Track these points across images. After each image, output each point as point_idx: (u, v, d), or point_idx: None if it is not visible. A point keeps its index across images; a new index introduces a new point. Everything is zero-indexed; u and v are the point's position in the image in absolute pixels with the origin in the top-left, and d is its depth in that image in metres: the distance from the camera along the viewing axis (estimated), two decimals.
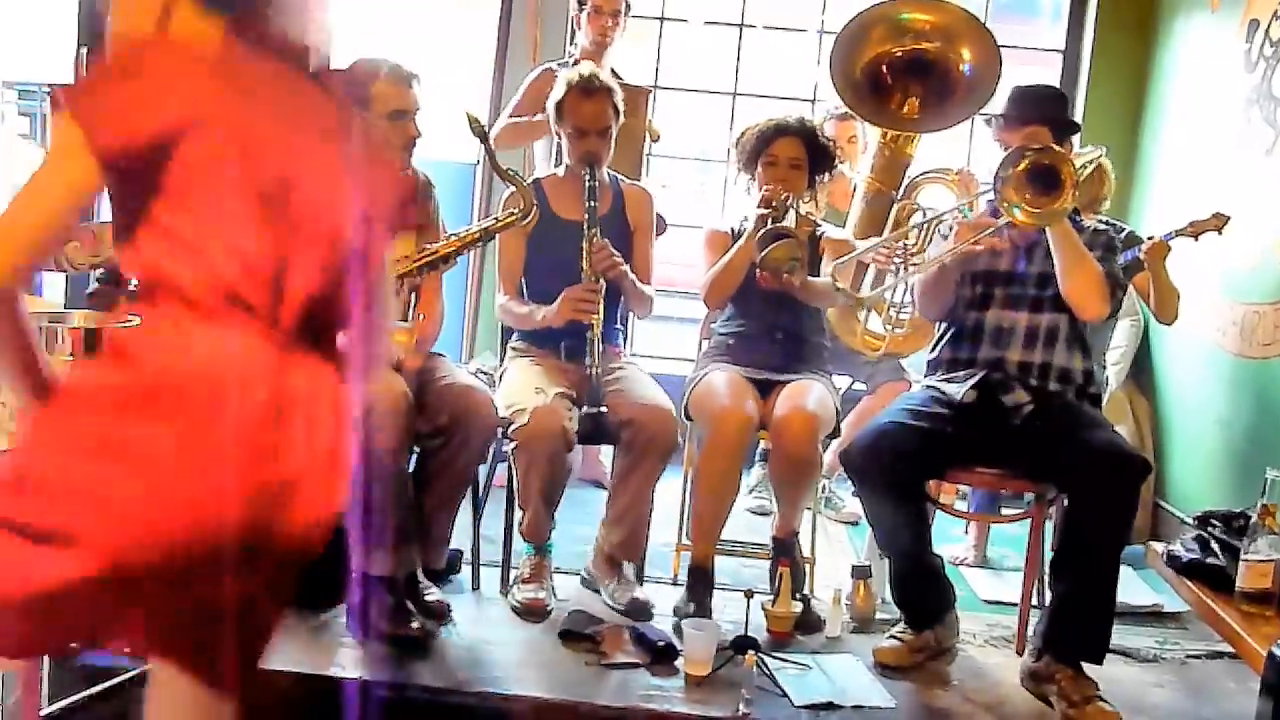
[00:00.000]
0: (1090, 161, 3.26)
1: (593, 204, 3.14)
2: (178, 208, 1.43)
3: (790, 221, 3.12)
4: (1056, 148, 2.85)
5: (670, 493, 3.32)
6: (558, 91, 3.22)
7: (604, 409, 3.04)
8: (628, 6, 4.05)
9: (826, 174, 3.36)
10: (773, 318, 3.24)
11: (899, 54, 3.59)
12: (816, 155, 3.27)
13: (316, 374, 1.51)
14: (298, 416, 1.46)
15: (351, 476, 1.56)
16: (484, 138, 2.99)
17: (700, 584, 3.00)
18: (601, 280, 3.13)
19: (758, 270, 3.11)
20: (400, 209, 1.66)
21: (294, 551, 1.50)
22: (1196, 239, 3.25)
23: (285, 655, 2.59)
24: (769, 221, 3.11)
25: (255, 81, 1.49)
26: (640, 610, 2.98)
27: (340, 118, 1.58)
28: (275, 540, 1.46)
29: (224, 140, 1.43)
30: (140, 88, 1.41)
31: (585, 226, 3.14)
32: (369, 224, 1.58)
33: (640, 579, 3.17)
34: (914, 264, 3.61)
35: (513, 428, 2.93)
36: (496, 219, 3.03)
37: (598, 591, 3.11)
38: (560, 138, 3.30)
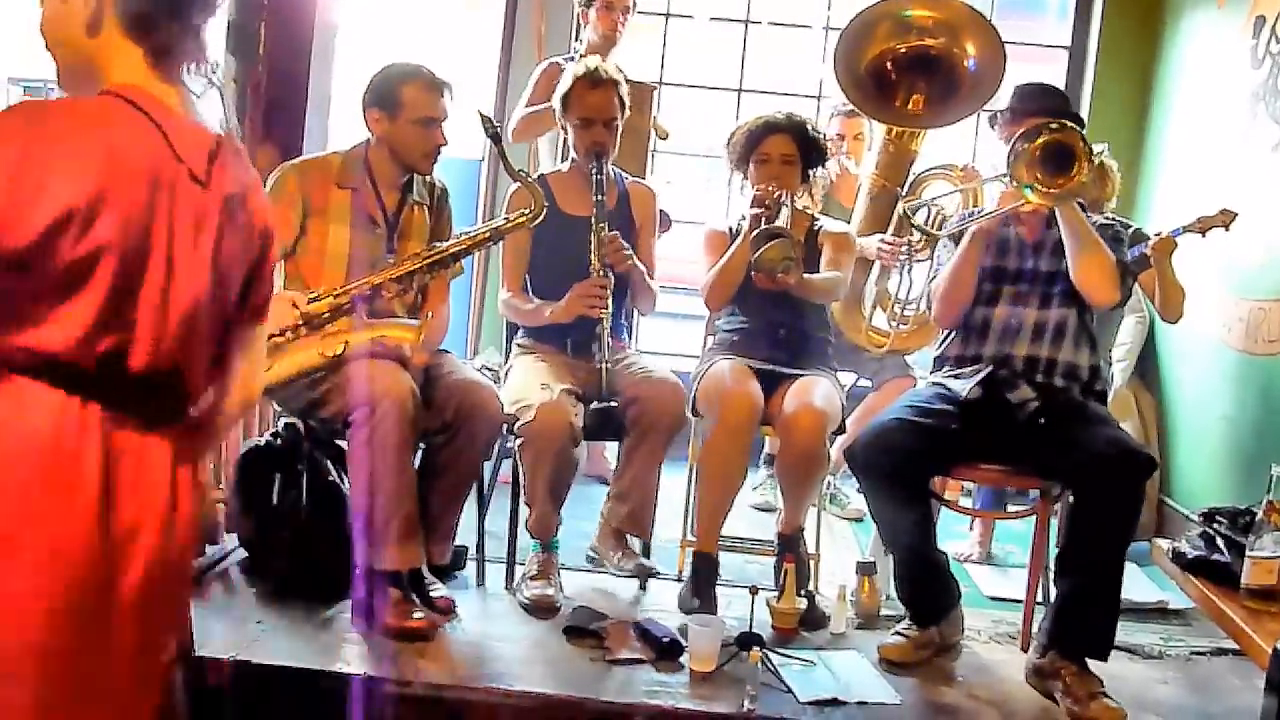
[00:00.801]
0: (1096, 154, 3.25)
1: (600, 198, 3.14)
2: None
3: (785, 218, 3.10)
4: (1073, 125, 2.83)
5: (676, 489, 3.32)
6: (564, 84, 3.23)
7: (614, 403, 3.04)
8: (634, 2, 4.05)
9: (821, 167, 3.35)
10: (776, 315, 3.23)
11: (904, 50, 3.59)
12: (808, 150, 3.26)
13: (144, 444, 1.47)
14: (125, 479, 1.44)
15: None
16: (496, 138, 2.96)
17: (704, 573, 3.01)
18: (610, 274, 3.13)
19: (753, 271, 3.10)
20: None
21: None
22: (1204, 235, 3.24)
23: (290, 651, 2.59)
24: (763, 221, 3.10)
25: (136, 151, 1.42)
26: (645, 574, 3.01)
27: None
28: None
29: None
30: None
31: (594, 220, 3.13)
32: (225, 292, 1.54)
33: (646, 554, 3.19)
34: (920, 259, 3.61)
35: (518, 424, 2.93)
36: (507, 219, 3.01)
37: (603, 568, 3.11)
38: (566, 131, 3.30)
